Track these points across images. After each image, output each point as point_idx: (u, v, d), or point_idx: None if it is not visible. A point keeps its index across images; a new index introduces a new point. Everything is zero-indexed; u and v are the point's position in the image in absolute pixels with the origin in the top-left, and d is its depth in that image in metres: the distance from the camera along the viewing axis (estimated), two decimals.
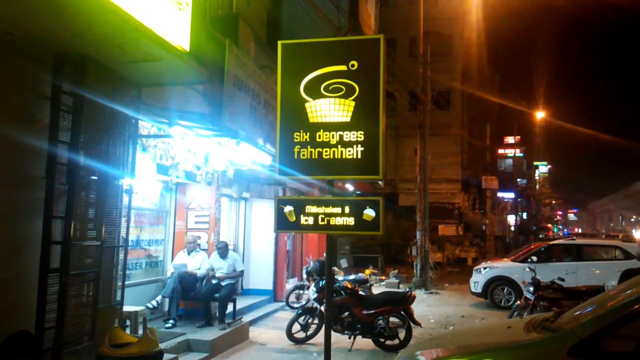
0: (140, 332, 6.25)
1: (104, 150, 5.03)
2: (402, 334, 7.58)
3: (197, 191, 8.66)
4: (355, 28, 9.98)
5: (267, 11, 8.98)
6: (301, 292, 10.88)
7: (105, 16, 3.82)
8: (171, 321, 7.48)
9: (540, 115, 39.25)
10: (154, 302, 7.66)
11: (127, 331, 6.00)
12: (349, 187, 15.16)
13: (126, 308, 6.13)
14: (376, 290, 10.85)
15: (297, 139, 4.35)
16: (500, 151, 46.15)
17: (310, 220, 4.41)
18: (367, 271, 13.03)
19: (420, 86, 16.59)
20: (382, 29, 20.56)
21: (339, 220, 4.37)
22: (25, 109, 4.51)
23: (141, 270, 8.04)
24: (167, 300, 7.81)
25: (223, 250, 8.35)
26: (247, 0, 7.43)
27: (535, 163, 66.01)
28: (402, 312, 7.61)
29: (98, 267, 4.97)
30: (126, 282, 6.01)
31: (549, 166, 75.09)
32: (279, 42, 4.38)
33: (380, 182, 15.21)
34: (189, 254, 8.17)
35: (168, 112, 6.08)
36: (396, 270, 16.50)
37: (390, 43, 22.46)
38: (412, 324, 7.58)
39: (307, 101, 4.35)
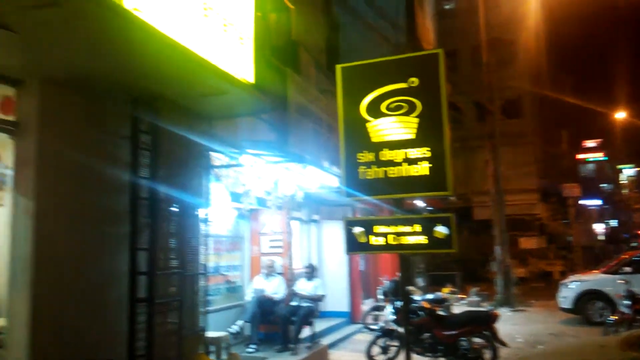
0: (224, 357, 6.43)
1: (181, 182, 5.30)
2: (487, 355, 7.25)
3: (268, 216, 8.87)
4: (413, 44, 9.94)
5: (326, 36, 9.19)
6: (378, 313, 10.73)
7: (176, 58, 4.08)
8: (253, 345, 7.63)
9: (621, 115, 36.69)
10: (235, 327, 7.86)
11: (212, 357, 6.20)
12: (420, 203, 14.90)
13: (210, 334, 6.35)
14: (456, 309, 10.49)
15: (361, 159, 4.37)
16: (580, 156, 43.54)
17: (381, 241, 4.39)
18: (445, 290, 12.65)
19: (486, 96, 16.13)
20: (442, 41, 20.30)
21: (410, 239, 4.31)
22: (108, 148, 4.86)
23: (221, 296, 8.30)
24: (248, 324, 7.99)
25: (310, 272, 8.50)
26: (305, 28, 7.65)
27: (619, 167, 61.52)
28: (485, 332, 7.29)
29: (181, 295, 5.19)
30: (208, 308, 6.24)
31: (637, 168, 69.72)
32: (337, 66, 4.47)
33: (451, 197, 14.82)
34: (266, 278, 8.35)
35: (238, 142, 6.34)
36: (477, 288, 15.85)
37: (451, 54, 22.11)
38: (497, 344, 7.23)
39: (368, 121, 4.38)
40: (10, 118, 4.29)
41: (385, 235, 4.37)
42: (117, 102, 4.80)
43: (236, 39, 4.83)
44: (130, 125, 4.92)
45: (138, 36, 3.69)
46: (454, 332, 7.30)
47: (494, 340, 7.23)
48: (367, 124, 4.35)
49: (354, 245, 4.51)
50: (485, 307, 12.20)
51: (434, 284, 16.03)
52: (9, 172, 4.38)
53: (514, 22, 25.14)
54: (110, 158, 4.87)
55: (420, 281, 15.00)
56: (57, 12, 3.15)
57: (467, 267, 20.61)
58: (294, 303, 8.12)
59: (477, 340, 7.36)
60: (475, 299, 14.50)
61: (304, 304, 8.15)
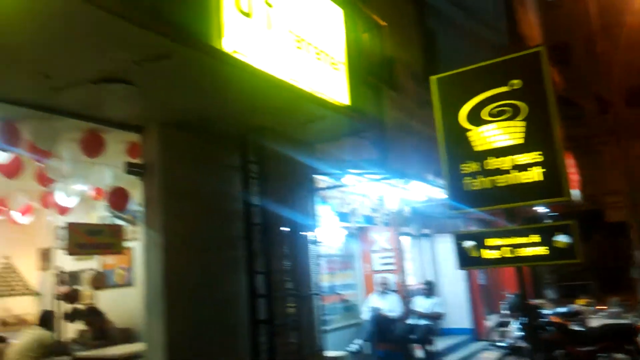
0: None
1: (290, 206, 5.52)
2: None
3: (377, 233, 8.87)
4: (516, 44, 9.44)
5: (420, 47, 9.08)
6: (504, 329, 10.12)
7: (275, 92, 4.32)
8: None
9: None
10: (354, 346, 7.90)
11: None
12: (539, 210, 13.88)
13: (329, 353, 6.46)
14: (594, 322, 9.54)
15: (464, 170, 4.23)
16: None
17: (495, 254, 4.17)
18: (580, 301, 11.59)
19: (606, 87, 14.73)
20: (550, 35, 18.97)
21: (528, 251, 4.04)
22: (222, 180, 5.21)
23: (338, 315, 8.42)
24: (366, 343, 7.99)
25: (428, 289, 8.36)
26: (399, 42, 7.64)
27: None
28: (628, 347, 6.55)
29: (299, 315, 5.36)
30: (326, 328, 6.36)
31: None
32: (431, 78, 4.40)
33: (575, 200, 13.62)
34: (381, 296, 8.32)
35: (340, 163, 6.46)
36: (618, 298, 14.28)
37: (561, 47, 20.57)
38: None
39: (469, 130, 4.24)
40: (137, 161, 4.81)
41: (499, 247, 4.15)
42: (227, 136, 5.16)
43: (330, 64, 4.97)
44: (240, 157, 5.27)
45: (240, 76, 3.96)
46: (591, 349, 6.65)
47: (638, 355, 6.48)
48: (468, 133, 4.20)
49: (465, 260, 4.34)
50: (627, 318, 10.94)
51: (567, 296, 14.75)
52: (141, 209, 4.90)
53: (628, 3, 22.76)
54: (224, 188, 5.22)
55: (549, 293, 13.92)
56: (168, 63, 3.49)
57: (602, 275, 18.68)
58: (411, 321, 7.97)
59: (618, 356, 6.65)
60: (616, 310, 13.06)
61: (422, 322, 7.96)
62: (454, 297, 10.78)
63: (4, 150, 4.21)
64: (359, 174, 6.49)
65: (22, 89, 3.73)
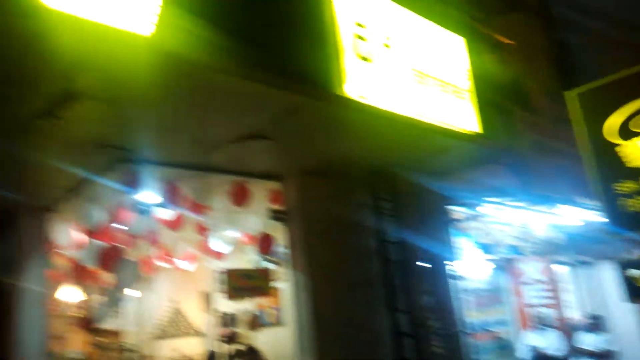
0: None
1: (426, 241, 5.44)
2: None
3: (527, 264, 8.25)
4: None
5: (553, 61, 8.49)
6: None
7: (401, 129, 4.40)
8: None
9: None
10: None
11: None
12: None
13: None
14: None
15: (619, 190, 3.80)
16: None
17: None
18: None
19: None
20: None
21: None
22: (357, 219, 5.32)
23: (492, 353, 7.90)
24: None
25: (595, 324, 7.56)
26: (529, 58, 7.25)
27: None
28: None
29: (446, 355, 5.17)
30: None
31: None
32: (568, 94, 4.10)
33: None
34: (539, 332, 7.66)
35: (477, 191, 6.23)
36: None
37: None
38: None
39: (618, 145, 3.83)
40: (280, 207, 5.17)
41: None
42: (359, 176, 5.31)
43: (454, 94, 4.92)
44: (373, 195, 5.37)
45: (364, 118, 4.11)
46: None
47: None
48: (618, 148, 3.79)
49: (635, 292, 3.84)
50: None
51: None
52: (286, 252, 5.23)
53: None
54: (361, 227, 5.32)
55: None
56: (298, 116, 3.78)
57: None
58: None
59: None
60: None
61: None
62: (628, 334, 9.44)
63: (168, 208, 4.83)
64: (499, 202, 6.17)
65: (180, 154, 4.31)
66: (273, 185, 5.24)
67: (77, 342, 7.72)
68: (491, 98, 5.58)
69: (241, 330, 7.69)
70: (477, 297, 7.91)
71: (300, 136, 4.26)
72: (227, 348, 6.50)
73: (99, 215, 4.80)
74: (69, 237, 5.40)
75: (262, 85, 3.31)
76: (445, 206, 5.90)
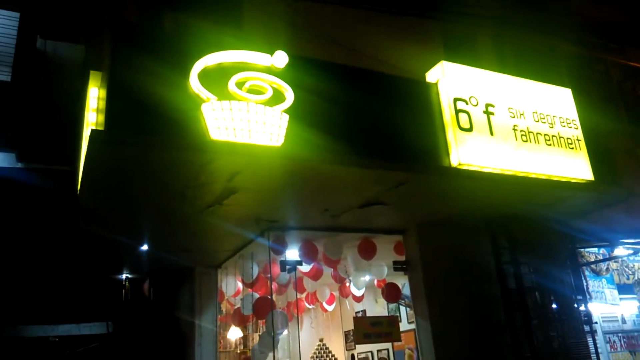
0: None
1: (551, 286, 5.54)
2: None
3: None
4: None
5: None
6: None
7: (513, 185, 4.78)
8: None
9: None
10: None
11: None
12: None
13: None
14: None
15: None
16: None
17: None
18: None
19: None
20: None
21: None
22: (477, 267, 5.62)
23: None
24: None
25: None
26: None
27: None
28: None
29: None
30: None
31: None
32: None
33: None
34: None
35: (607, 233, 6.14)
36: None
37: None
38: None
39: None
40: (402, 259, 5.77)
41: None
42: (476, 227, 5.68)
43: (564, 146, 5.11)
44: (491, 244, 5.69)
45: (471, 183, 4.60)
46: None
47: None
48: None
49: None
50: None
51: None
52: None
53: None
54: (481, 275, 5.64)
55: None
56: (408, 186, 4.43)
57: None
58: None
59: None
60: None
61: None
62: None
63: (307, 262, 5.73)
64: (634, 243, 6.01)
65: (313, 219, 5.19)
66: (396, 238, 5.88)
67: None
68: (607, 142, 5.63)
69: None
70: (626, 339, 7.48)
71: (414, 200, 4.87)
72: None
73: (255, 270, 5.89)
74: (233, 288, 6.61)
75: (374, 170, 4.06)
76: (572, 250, 5.94)
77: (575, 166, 5.08)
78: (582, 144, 5.24)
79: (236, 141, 3.58)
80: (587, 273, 6.47)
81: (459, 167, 4.44)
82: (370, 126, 4.24)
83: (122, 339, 7.08)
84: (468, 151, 4.51)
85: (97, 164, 3.47)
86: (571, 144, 5.18)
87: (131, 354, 6.80)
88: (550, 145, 5.04)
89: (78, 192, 4.01)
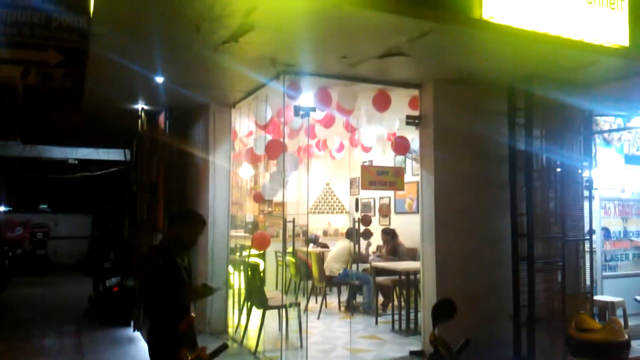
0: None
1: (559, 150, 5.58)
2: None
3: None
4: None
5: None
6: None
7: (543, 46, 4.53)
8: None
9: None
10: None
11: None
12: None
13: (606, 298, 6.53)
14: None
15: None
16: None
17: None
18: None
19: None
20: None
21: None
22: (489, 126, 5.66)
23: (628, 261, 7.94)
24: None
25: None
26: None
27: None
28: None
29: (562, 258, 5.54)
30: (613, 273, 6.22)
31: None
32: None
33: None
34: None
35: (627, 103, 6.01)
36: None
37: None
38: None
39: None
40: (416, 113, 5.76)
41: None
42: (494, 86, 5.54)
43: (606, 6, 4.74)
44: (507, 104, 5.61)
45: (500, 38, 4.36)
46: None
47: None
48: None
49: None
50: None
51: None
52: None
53: None
54: (491, 134, 5.68)
55: None
56: (432, 37, 4.22)
57: None
58: None
59: None
60: None
61: None
62: None
63: (320, 110, 5.75)
64: None
65: (330, 66, 5.07)
66: (412, 92, 5.80)
67: (250, 209, 9.68)
68: None
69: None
70: (621, 207, 7.81)
71: (434, 53, 4.69)
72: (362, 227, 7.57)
73: (268, 113, 5.94)
74: (247, 128, 6.74)
75: (401, 16, 3.82)
76: (587, 117, 5.86)
77: (611, 29, 4.76)
78: (626, 4, 4.84)
79: None
80: (598, 141, 6.48)
81: (490, 20, 4.18)
82: None
83: (137, 166, 7.44)
84: (501, 4, 4.20)
85: None
86: (613, 3, 4.79)
87: (145, 182, 7.22)
88: (589, 3, 4.66)
89: (91, 15, 3.89)
